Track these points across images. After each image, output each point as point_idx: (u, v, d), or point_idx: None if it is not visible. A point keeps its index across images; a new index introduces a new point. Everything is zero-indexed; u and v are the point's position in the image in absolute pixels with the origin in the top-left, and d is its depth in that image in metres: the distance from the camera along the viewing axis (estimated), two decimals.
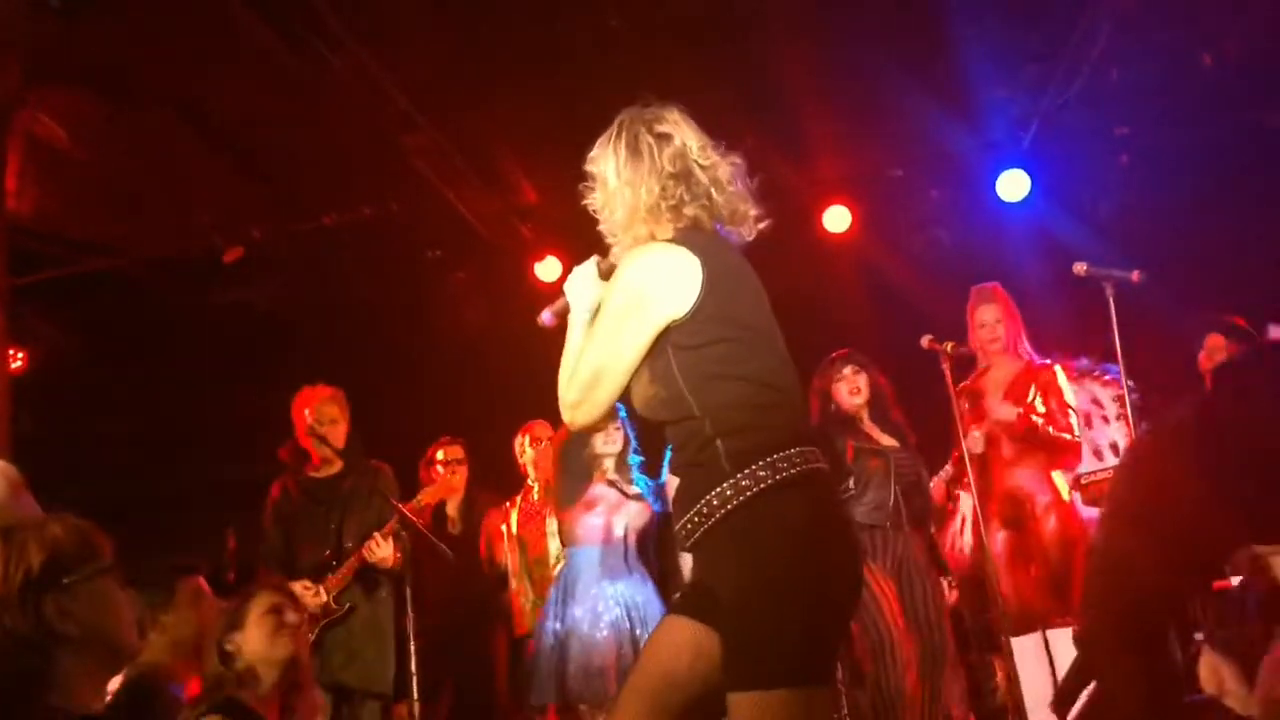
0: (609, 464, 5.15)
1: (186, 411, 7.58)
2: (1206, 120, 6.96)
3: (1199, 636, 5.11)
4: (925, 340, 5.05)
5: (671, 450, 2.44)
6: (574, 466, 5.15)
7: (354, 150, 6.56)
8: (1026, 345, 5.45)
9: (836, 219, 7.76)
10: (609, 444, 5.14)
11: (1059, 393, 5.29)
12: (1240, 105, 6.82)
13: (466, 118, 6.39)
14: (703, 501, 2.26)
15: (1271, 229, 6.85)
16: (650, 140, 2.46)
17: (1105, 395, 6.16)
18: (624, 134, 2.50)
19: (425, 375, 7.97)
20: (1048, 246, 7.08)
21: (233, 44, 5.35)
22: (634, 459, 5.22)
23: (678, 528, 2.36)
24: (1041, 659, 5.09)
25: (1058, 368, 5.41)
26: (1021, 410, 5.21)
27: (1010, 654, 5.01)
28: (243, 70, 5.55)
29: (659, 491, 5.14)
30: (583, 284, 2.52)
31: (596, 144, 2.55)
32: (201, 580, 3.65)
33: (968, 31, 5.92)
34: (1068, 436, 5.19)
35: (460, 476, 6.00)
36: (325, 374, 5.77)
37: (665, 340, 2.34)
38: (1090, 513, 5.44)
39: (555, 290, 8.07)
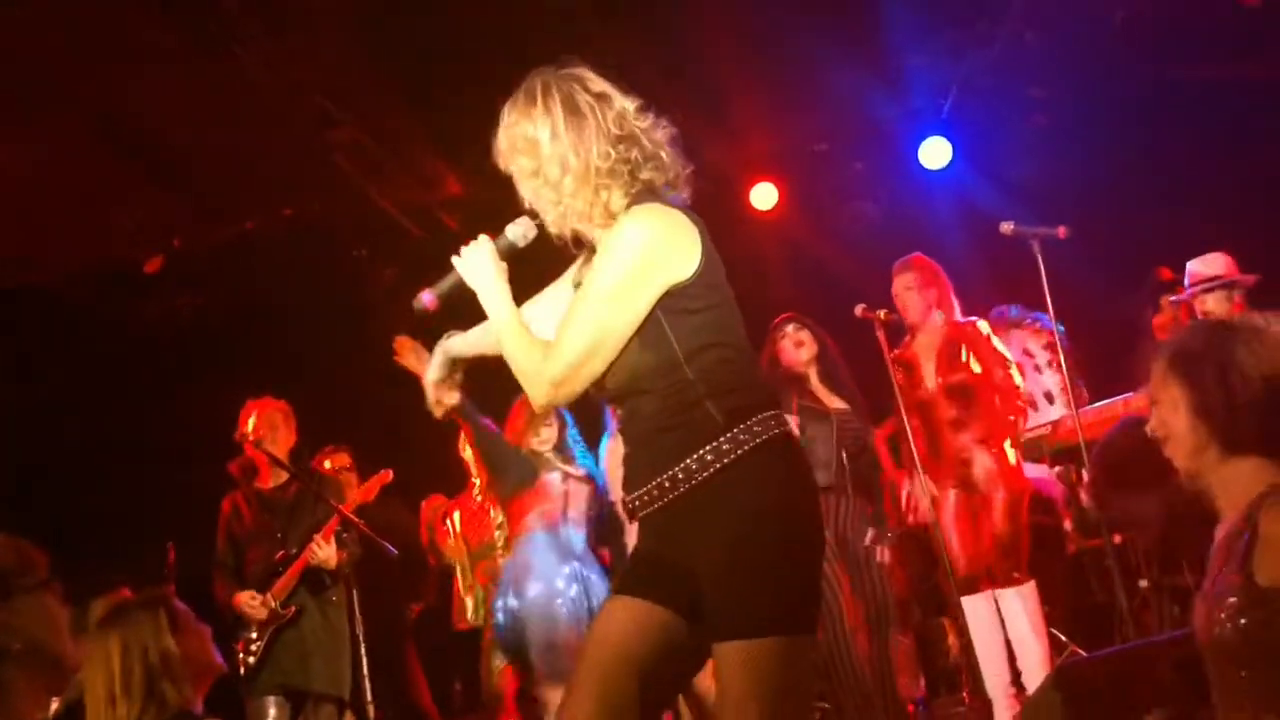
0: (547, 449, 5.11)
1: (118, 427, 7.41)
2: (1121, 77, 7.07)
3: (1144, 584, 5.24)
4: (859, 309, 5.09)
5: (628, 419, 2.36)
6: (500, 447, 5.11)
7: (272, 150, 6.44)
8: (954, 307, 5.49)
9: (763, 196, 7.80)
10: (548, 429, 5.11)
11: (986, 343, 5.35)
12: (1154, 59, 6.92)
13: (385, 111, 6.30)
14: (693, 458, 2.23)
15: (1187, 179, 7.00)
16: (590, 99, 2.35)
17: (1035, 345, 6.24)
18: (554, 93, 2.35)
19: (360, 375, 7.87)
20: (973, 211, 7.16)
21: (139, 45, 5.23)
22: (572, 434, 5.21)
23: (645, 490, 2.29)
24: (993, 618, 5.15)
25: (980, 322, 5.47)
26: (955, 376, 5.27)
27: (961, 614, 5.07)
28: (151, 72, 5.42)
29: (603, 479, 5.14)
30: (480, 262, 2.40)
31: (512, 108, 2.39)
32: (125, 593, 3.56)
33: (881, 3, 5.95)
34: (1010, 385, 5.25)
35: (385, 481, 5.97)
36: (256, 381, 5.73)
37: (655, 305, 2.27)
38: (1031, 469, 5.52)
39: None
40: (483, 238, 2.44)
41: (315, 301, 7.91)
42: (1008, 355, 5.40)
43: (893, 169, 7.82)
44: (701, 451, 2.22)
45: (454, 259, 2.45)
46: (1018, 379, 5.32)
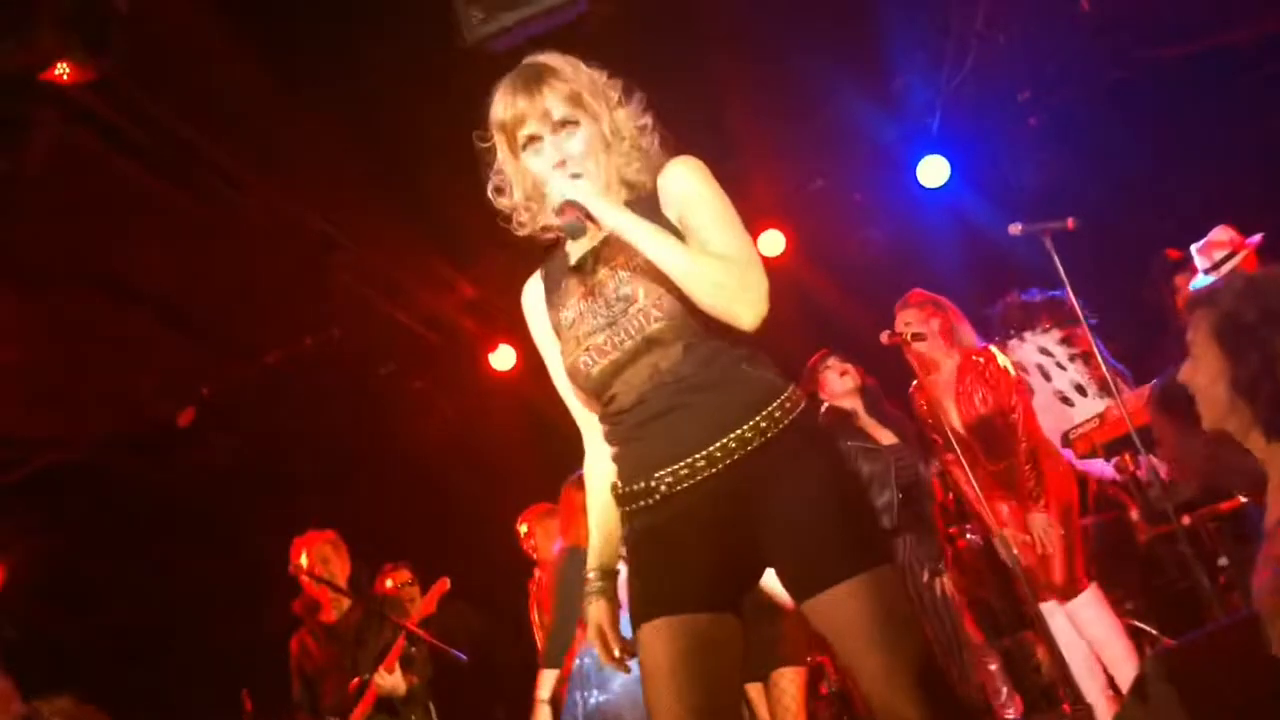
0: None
1: (174, 583, 7.43)
2: (1099, 66, 7.08)
3: (1223, 562, 5.11)
4: (884, 336, 5.02)
5: (686, 362, 2.26)
6: (570, 590, 5.03)
7: (282, 283, 6.51)
8: (964, 333, 5.41)
9: (770, 244, 7.80)
10: None
11: (1002, 375, 5.24)
12: (1127, 43, 6.92)
13: (386, 226, 6.37)
14: (766, 411, 2.23)
15: (1185, 156, 6.97)
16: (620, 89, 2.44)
17: (1050, 342, 6.14)
18: (593, 75, 2.41)
19: (404, 488, 7.89)
20: (979, 222, 7.14)
21: (139, 208, 5.32)
22: None
23: (710, 451, 2.21)
24: (1071, 624, 5.04)
25: (993, 349, 5.37)
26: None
27: (1044, 626, 4.96)
28: (153, 229, 5.51)
29: None
30: (594, 195, 2.27)
31: (568, 60, 2.40)
32: None
33: (854, 29, 5.98)
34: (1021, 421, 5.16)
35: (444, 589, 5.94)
36: (304, 514, 5.75)
37: None
38: (1087, 464, 5.42)
39: (511, 377, 8.03)
40: (577, 186, 2.29)
41: (348, 424, 7.96)
42: (1014, 374, 5.29)
43: (893, 194, 7.82)
44: (770, 408, 2.24)
45: (559, 191, 2.28)
46: (1036, 391, 5.24)
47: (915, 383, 5.38)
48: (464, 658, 5.31)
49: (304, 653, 5.46)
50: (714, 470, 2.21)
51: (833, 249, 8.00)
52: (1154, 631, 5.47)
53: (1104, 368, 4.61)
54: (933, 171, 7.49)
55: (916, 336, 5.08)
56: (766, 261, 7.02)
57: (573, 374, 2.37)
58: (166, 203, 5.22)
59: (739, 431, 2.21)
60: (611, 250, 2.36)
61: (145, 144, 4.87)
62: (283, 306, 6.77)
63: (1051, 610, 4.99)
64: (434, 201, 6.33)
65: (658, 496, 2.26)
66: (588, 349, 2.31)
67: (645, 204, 2.36)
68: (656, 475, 2.25)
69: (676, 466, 2.23)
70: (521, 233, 2.48)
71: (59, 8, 3.83)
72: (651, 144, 2.43)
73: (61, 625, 7.00)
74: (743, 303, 2.19)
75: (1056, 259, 4.31)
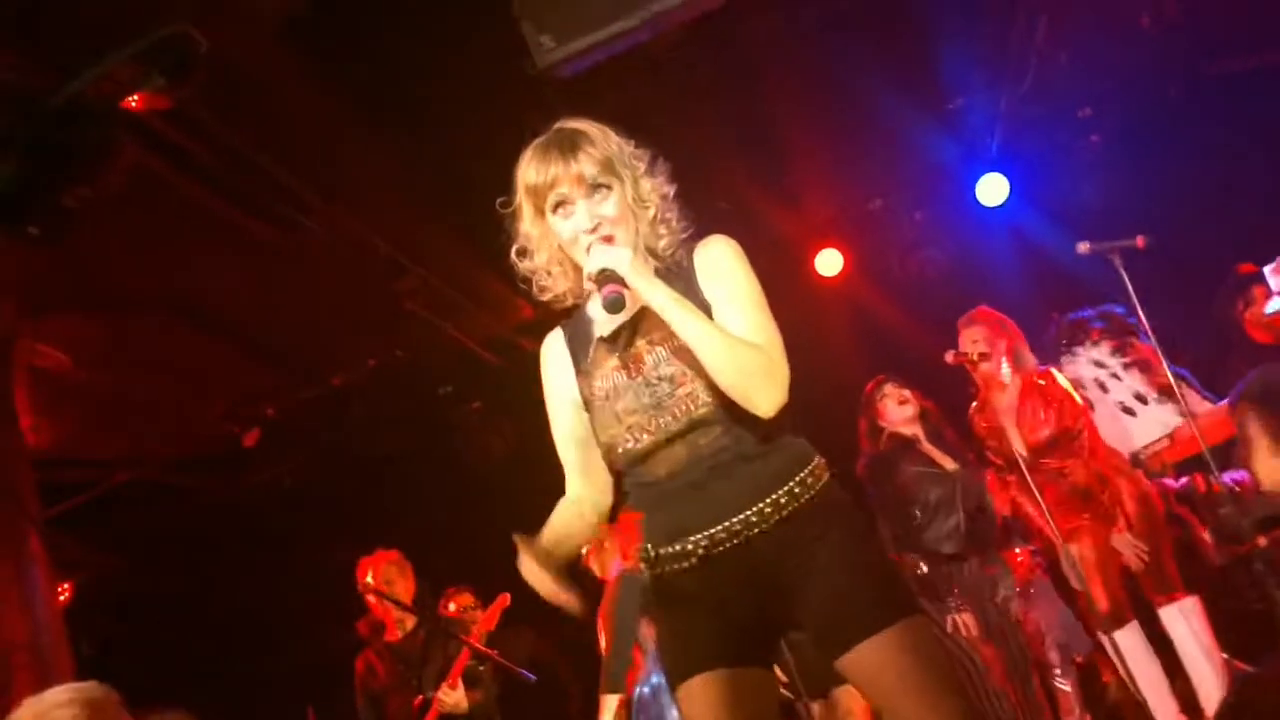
0: None
1: (240, 603, 7.53)
2: (1162, 82, 7.03)
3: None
4: (950, 355, 5.00)
5: (687, 458, 2.33)
6: (626, 615, 5.03)
7: (347, 307, 6.60)
8: (1026, 355, 5.37)
9: (828, 262, 7.79)
10: None
11: (1065, 396, 5.19)
12: (1189, 58, 6.87)
13: (447, 249, 6.44)
14: (798, 477, 2.31)
15: (1248, 172, 6.89)
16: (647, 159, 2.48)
17: (1102, 354, 6.06)
18: (621, 143, 2.46)
19: (463, 508, 7.94)
20: (1041, 242, 7.10)
21: (209, 233, 5.42)
22: None
23: (743, 517, 2.28)
24: (1145, 649, 4.97)
25: (1054, 371, 5.32)
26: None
27: (1115, 652, 4.89)
28: (223, 254, 5.61)
29: None
30: (635, 268, 2.30)
31: (601, 129, 2.44)
32: None
33: (913, 48, 5.97)
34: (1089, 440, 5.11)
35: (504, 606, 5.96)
36: (367, 534, 5.81)
37: None
38: (1159, 481, 5.35)
39: None
40: (624, 250, 2.34)
41: (409, 444, 8.03)
42: (1078, 397, 5.21)
43: (953, 213, 7.79)
44: (802, 474, 2.31)
45: (600, 260, 2.31)
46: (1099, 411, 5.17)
47: (975, 404, 5.34)
48: (531, 677, 5.31)
49: (369, 671, 5.51)
50: (750, 534, 2.29)
51: (892, 268, 7.97)
52: (1225, 656, 5.38)
53: (1166, 372, 4.55)
54: (992, 190, 7.45)
55: (982, 356, 5.05)
56: (825, 281, 7.07)
57: (608, 449, 2.42)
58: (238, 228, 5.32)
59: (774, 497, 2.29)
60: (649, 324, 2.39)
61: (219, 171, 4.96)
62: (348, 329, 6.87)
63: (1124, 636, 4.92)
64: (493, 225, 6.40)
65: (694, 560, 2.32)
66: (629, 428, 2.36)
67: (683, 279, 2.41)
68: (694, 539, 2.31)
69: (714, 531, 2.29)
70: (543, 297, 2.52)
71: (141, 40, 3.92)
72: (675, 215, 2.47)
73: (136, 641, 7.12)
74: (764, 392, 2.26)
75: (1126, 278, 4.27)
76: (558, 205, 2.39)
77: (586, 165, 2.35)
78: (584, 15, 3.99)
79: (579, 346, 2.51)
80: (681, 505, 2.33)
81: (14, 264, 4.77)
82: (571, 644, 6.70)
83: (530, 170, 2.41)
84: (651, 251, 2.45)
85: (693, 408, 2.31)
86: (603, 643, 5.77)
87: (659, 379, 2.34)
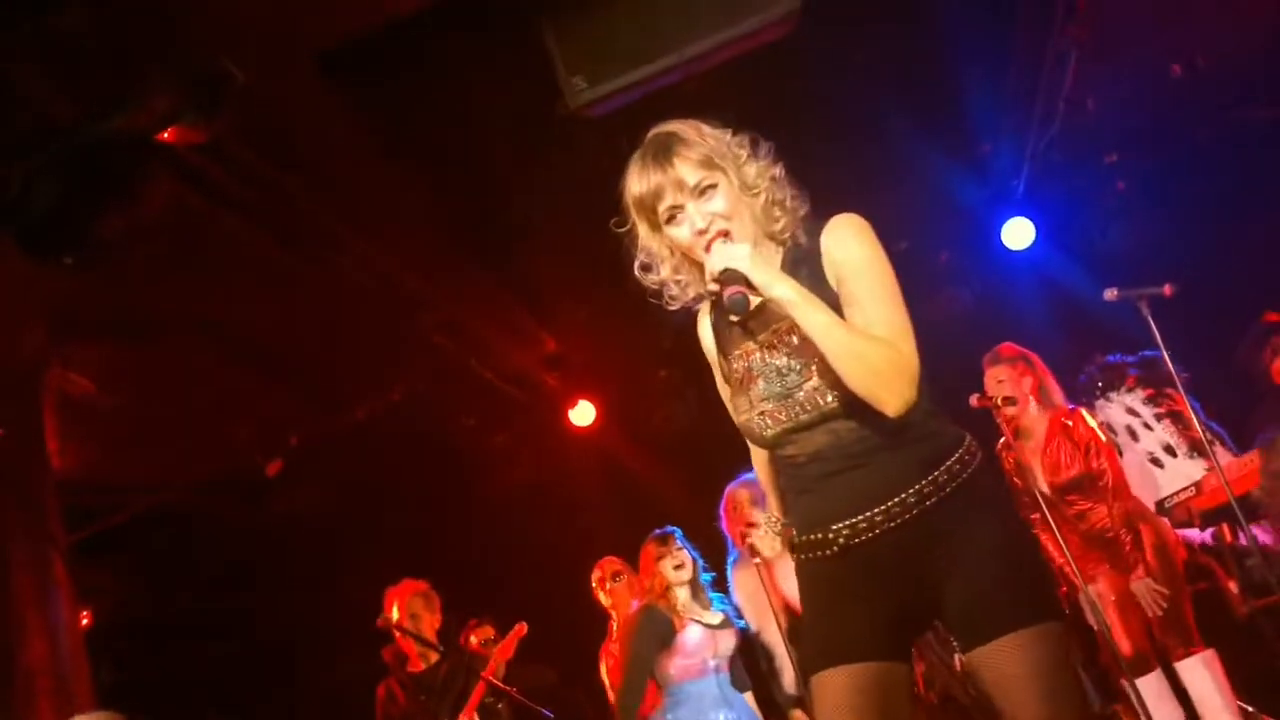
0: (684, 593, 5.04)
1: (261, 630, 7.55)
2: (1190, 129, 7.03)
3: None
4: (974, 399, 4.95)
5: (830, 445, 2.31)
6: (643, 649, 5.01)
7: (373, 340, 6.65)
8: (1054, 392, 5.32)
9: None
10: (681, 571, 5.05)
11: (1091, 437, 5.14)
12: (1218, 106, 6.87)
13: (472, 284, 6.48)
14: (945, 465, 2.28)
15: (1274, 219, 6.87)
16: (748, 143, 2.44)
17: (1136, 401, 6.03)
18: (717, 134, 2.41)
19: (483, 541, 7.96)
20: (1066, 286, 7.09)
21: (239, 264, 5.47)
22: (705, 577, 5.15)
23: (890, 505, 2.25)
24: (1169, 697, 4.91)
25: (1082, 411, 5.29)
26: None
27: (1138, 698, 4.84)
28: (252, 284, 5.67)
29: (738, 611, 5.06)
30: (756, 265, 2.25)
31: (701, 127, 2.40)
32: None
33: (941, 93, 5.99)
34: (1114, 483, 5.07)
35: (521, 634, 5.95)
36: (389, 565, 5.82)
37: None
38: (1182, 534, 5.30)
39: (591, 432, 8.12)
40: (736, 254, 2.27)
41: (431, 476, 8.05)
42: (1104, 438, 5.18)
43: (979, 256, 7.79)
44: (949, 462, 2.28)
45: (720, 259, 2.26)
46: (1123, 460, 5.12)
47: (1002, 441, 5.31)
48: (549, 715, 5.31)
49: (390, 700, 5.53)
50: (892, 525, 2.26)
51: (918, 310, 7.92)
52: (1251, 709, 5.31)
53: (1199, 428, 4.53)
54: (1018, 234, 7.45)
55: (1007, 400, 5.02)
56: None
57: (745, 430, 2.42)
58: (267, 259, 5.38)
59: (917, 487, 2.26)
60: (777, 312, 2.35)
61: (250, 202, 5.01)
62: (374, 363, 6.92)
63: (1146, 683, 4.86)
64: (518, 260, 6.45)
65: (835, 549, 2.30)
66: (761, 413, 2.36)
67: (807, 264, 2.36)
68: (834, 528, 2.29)
69: (855, 520, 2.27)
70: (673, 306, 2.49)
71: (177, 73, 3.98)
72: (788, 194, 2.42)
73: (156, 668, 7.14)
74: (892, 392, 2.19)
75: (1154, 325, 4.25)
76: (670, 215, 2.37)
77: (685, 169, 2.33)
78: (616, 57, 4.03)
79: (722, 325, 2.50)
80: (824, 493, 2.32)
81: (46, 291, 4.82)
82: (587, 679, 6.69)
83: (634, 184, 2.39)
84: (770, 236, 2.41)
85: (821, 401, 2.29)
86: (607, 678, 5.75)
87: (790, 369, 2.33)
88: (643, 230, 2.44)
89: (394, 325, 6.46)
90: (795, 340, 2.33)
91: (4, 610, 4.51)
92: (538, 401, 8.07)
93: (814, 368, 2.29)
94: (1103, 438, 5.17)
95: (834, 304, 2.29)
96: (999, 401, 4.93)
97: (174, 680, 7.19)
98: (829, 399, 2.28)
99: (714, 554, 5.26)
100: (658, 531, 5.19)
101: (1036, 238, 7.44)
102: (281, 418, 7.12)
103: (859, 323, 2.25)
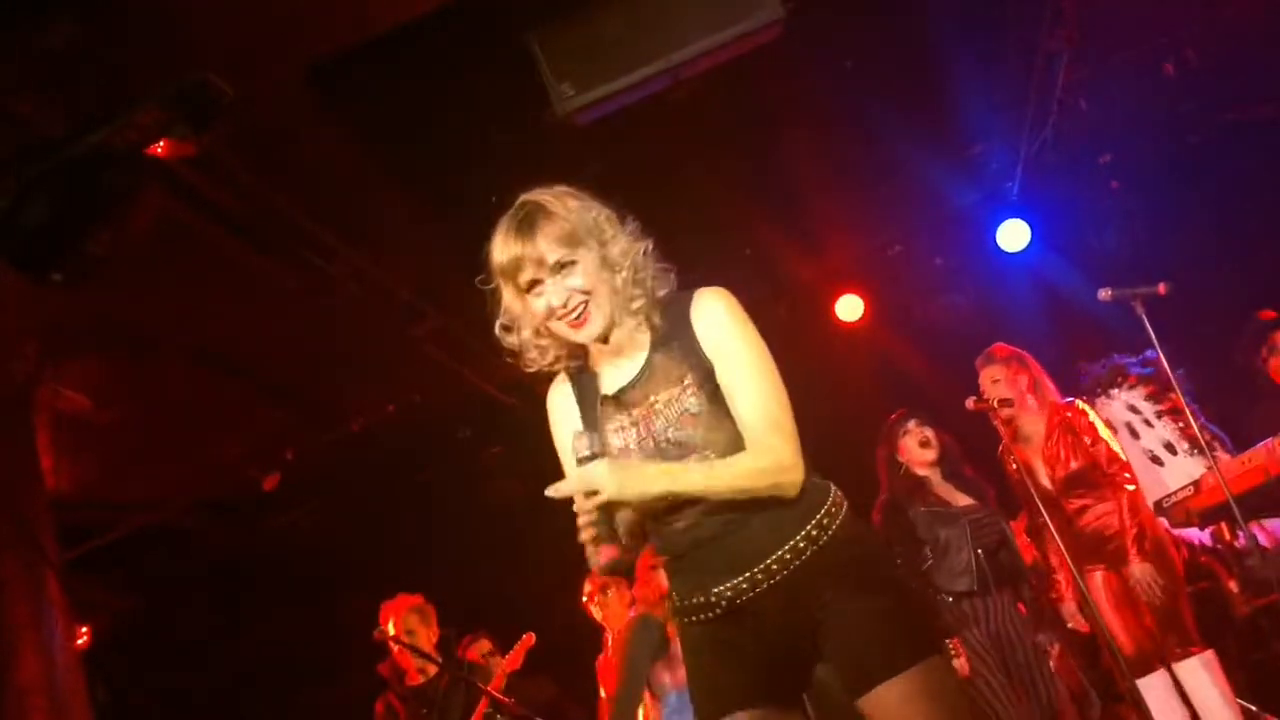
0: None
1: (257, 646, 7.51)
2: (1184, 128, 7.03)
3: None
4: (970, 402, 4.94)
5: (703, 511, 2.34)
6: (638, 658, 5.00)
7: (366, 352, 6.62)
8: (1048, 390, 5.31)
9: (849, 308, 7.78)
10: None
11: (1090, 430, 5.14)
12: (1212, 105, 6.87)
13: (466, 294, 6.44)
14: (812, 523, 2.34)
15: (1268, 219, 6.87)
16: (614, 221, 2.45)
17: (1137, 398, 6.02)
18: (583, 207, 2.42)
19: (481, 552, 7.93)
20: (1061, 287, 7.08)
21: (231, 278, 5.45)
22: None
23: (764, 566, 2.30)
24: (1171, 697, 4.88)
25: (1079, 403, 5.28)
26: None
27: (1139, 699, 4.81)
28: (245, 299, 5.65)
29: None
30: (617, 476, 2.23)
31: (566, 198, 2.42)
32: None
33: (936, 95, 5.98)
34: (1117, 473, 5.04)
35: (528, 645, 5.93)
36: (387, 578, 5.81)
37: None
38: (1181, 534, 5.28)
39: None
40: (573, 472, 2.30)
41: (429, 488, 8.03)
42: (1106, 436, 5.17)
43: (974, 258, 7.78)
44: (819, 516, 2.34)
45: (593, 498, 2.25)
46: (1123, 455, 5.10)
47: (1003, 445, 5.29)
48: None
49: (389, 715, 5.51)
50: (771, 582, 2.31)
51: (913, 313, 7.96)
52: (1254, 708, 5.29)
53: (1195, 428, 4.51)
54: (1013, 235, 7.45)
55: (1003, 403, 5.00)
56: (846, 326, 7.05)
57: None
58: (260, 273, 5.36)
59: (793, 543, 2.32)
60: (655, 383, 2.40)
61: (241, 216, 5.00)
62: (368, 374, 6.89)
63: (1149, 683, 4.84)
64: None
65: (719, 610, 2.35)
66: None
67: (677, 338, 2.41)
68: (715, 591, 2.34)
69: (736, 581, 2.33)
70: (530, 369, 2.53)
71: (165, 87, 3.96)
72: (649, 274, 2.43)
73: (151, 687, 7.10)
74: (785, 487, 2.31)
75: (1149, 325, 4.24)
76: (530, 285, 2.39)
77: (545, 245, 2.35)
78: (604, 63, 4.03)
79: (586, 400, 2.51)
80: (703, 556, 2.36)
81: (37, 308, 4.80)
82: (585, 692, 6.66)
83: (497, 252, 2.42)
84: (634, 314, 2.43)
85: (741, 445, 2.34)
86: (603, 689, 5.73)
87: (668, 443, 2.36)
88: (506, 293, 2.46)
89: (387, 337, 6.43)
90: (675, 414, 2.37)
91: None
92: (535, 411, 8.02)
93: (694, 441, 2.34)
94: (1102, 427, 5.15)
95: (709, 374, 2.36)
96: (995, 403, 4.91)
97: (171, 697, 7.15)
98: None
99: None
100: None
101: (1032, 239, 7.44)
102: (276, 432, 7.09)
103: (740, 406, 2.33)
